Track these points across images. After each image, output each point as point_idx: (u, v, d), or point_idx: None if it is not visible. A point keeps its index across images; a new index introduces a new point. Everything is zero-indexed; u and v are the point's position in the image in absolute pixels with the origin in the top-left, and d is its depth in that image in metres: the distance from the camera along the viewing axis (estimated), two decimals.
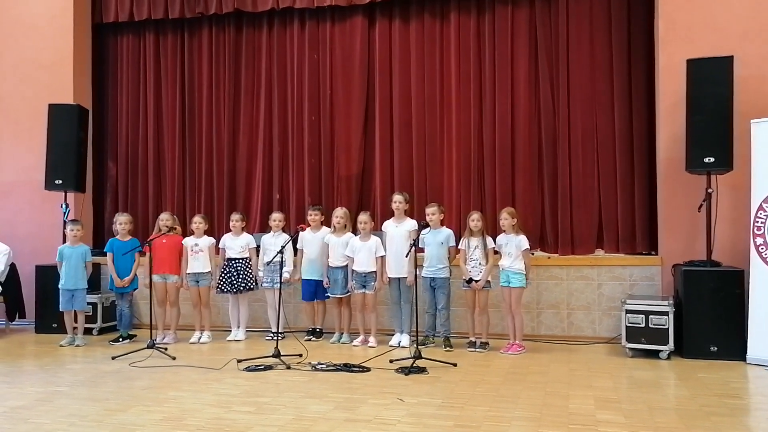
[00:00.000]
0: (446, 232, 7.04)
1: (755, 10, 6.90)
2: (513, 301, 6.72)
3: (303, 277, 7.51)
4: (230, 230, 7.72)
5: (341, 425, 4.31)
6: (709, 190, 6.54)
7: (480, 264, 6.83)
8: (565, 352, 6.75)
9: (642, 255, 7.50)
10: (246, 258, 7.58)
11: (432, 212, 7.01)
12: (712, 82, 6.40)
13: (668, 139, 7.10)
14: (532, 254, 7.27)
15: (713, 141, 6.36)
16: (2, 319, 8.20)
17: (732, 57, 6.44)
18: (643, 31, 7.62)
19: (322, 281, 7.43)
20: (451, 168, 8.14)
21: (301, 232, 7.36)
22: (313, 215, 7.58)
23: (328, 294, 7.40)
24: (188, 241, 7.60)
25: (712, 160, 6.36)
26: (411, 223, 7.15)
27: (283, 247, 6.82)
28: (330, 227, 7.53)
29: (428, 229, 6.90)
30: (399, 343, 7.01)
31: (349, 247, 7.20)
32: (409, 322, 7.00)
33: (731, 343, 6.23)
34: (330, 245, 7.34)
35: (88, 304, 7.69)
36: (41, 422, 4.46)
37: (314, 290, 7.51)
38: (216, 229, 8.48)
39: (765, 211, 6.22)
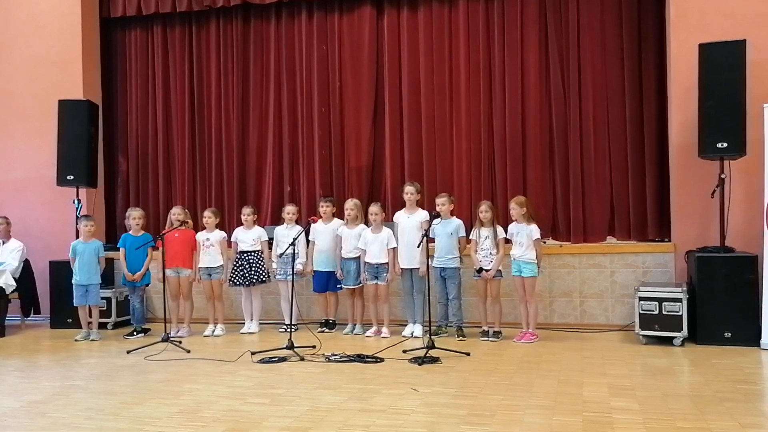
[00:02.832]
0: (456, 222, 7.04)
1: None
2: (527, 291, 6.71)
3: (315, 269, 7.53)
4: (242, 224, 7.74)
5: (356, 415, 4.32)
6: (722, 176, 6.49)
7: (490, 254, 6.83)
8: (578, 340, 6.74)
9: (654, 242, 7.48)
10: (258, 251, 7.60)
11: (442, 202, 7.00)
12: (724, 66, 6.34)
13: (680, 124, 7.05)
14: (544, 243, 7.25)
15: (726, 126, 6.31)
16: (17, 314, 8.25)
17: (744, 41, 6.37)
18: (653, 17, 7.56)
19: (334, 273, 7.44)
20: (461, 158, 8.12)
21: (313, 224, 7.37)
22: (324, 207, 7.58)
23: (341, 285, 7.41)
24: (200, 236, 7.63)
25: (725, 145, 6.31)
26: (423, 214, 7.15)
27: (295, 239, 6.84)
28: (342, 219, 7.54)
29: (439, 219, 6.90)
30: (412, 334, 7.03)
31: (361, 240, 7.20)
32: (422, 313, 7.01)
33: (745, 329, 6.21)
34: (342, 237, 7.34)
35: (102, 298, 7.74)
36: (59, 416, 4.50)
37: (326, 282, 7.53)
38: (227, 223, 8.51)
39: None
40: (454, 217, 7.13)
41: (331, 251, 7.47)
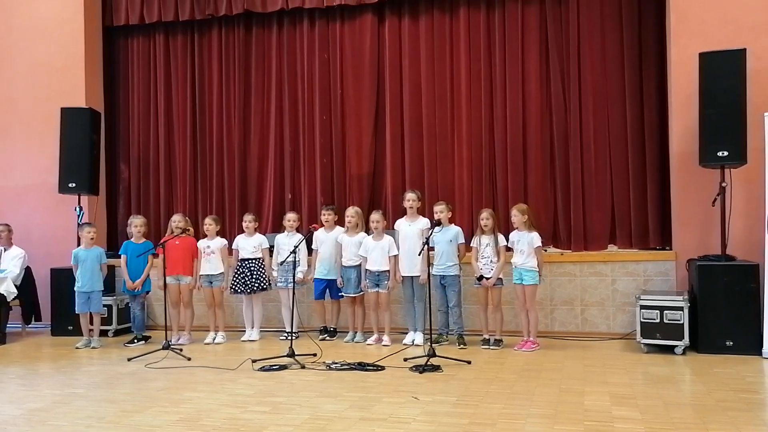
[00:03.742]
0: (455, 230, 7.04)
1: (767, 2, 6.84)
2: (527, 299, 6.71)
3: (316, 277, 7.53)
4: (243, 231, 7.74)
5: (356, 424, 4.32)
6: (723, 184, 6.49)
7: (491, 261, 6.82)
8: (579, 349, 6.73)
9: (656, 250, 7.48)
10: (259, 258, 7.59)
11: (440, 210, 7.01)
12: (724, 75, 6.35)
13: (681, 133, 7.06)
14: (545, 251, 7.25)
15: (726, 134, 6.32)
16: (18, 322, 8.26)
17: (744, 50, 6.39)
18: (654, 25, 7.58)
19: (334, 280, 7.44)
20: (462, 165, 8.12)
21: (315, 232, 7.37)
22: (326, 215, 7.59)
23: (342, 293, 7.40)
24: (200, 243, 7.63)
25: (726, 153, 6.32)
26: (424, 222, 7.15)
27: (296, 247, 6.84)
28: (343, 226, 7.54)
29: (440, 227, 6.90)
30: (413, 342, 7.02)
31: (362, 247, 7.20)
32: (423, 321, 7.00)
33: (747, 338, 6.20)
34: (343, 245, 7.34)
35: (104, 306, 7.73)
36: (59, 424, 4.49)
37: (325, 289, 7.52)
38: (228, 230, 8.52)
39: None
40: (453, 224, 7.14)
41: (333, 259, 7.47)
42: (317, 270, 7.51)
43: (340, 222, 7.66)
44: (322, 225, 7.59)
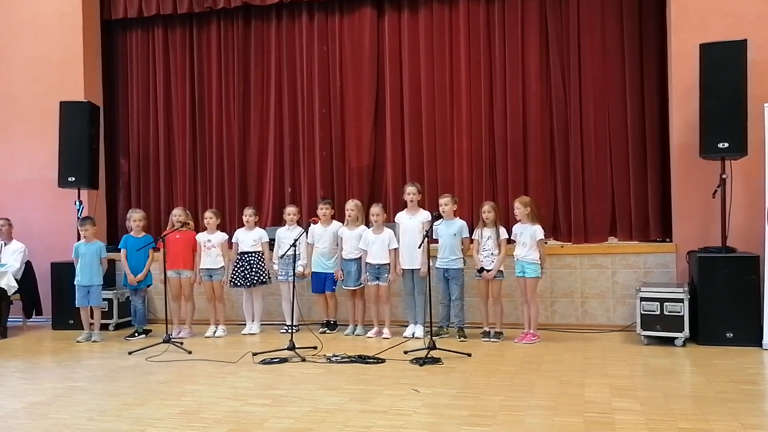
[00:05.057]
0: (459, 223, 7.04)
1: None
2: (528, 291, 6.71)
3: (313, 270, 7.53)
4: (242, 225, 7.74)
5: (357, 416, 4.32)
6: (724, 176, 6.49)
7: (492, 254, 6.83)
8: (579, 341, 6.74)
9: (656, 242, 7.47)
10: (259, 252, 7.59)
11: (445, 203, 7.01)
12: (725, 66, 6.34)
13: (682, 125, 7.04)
14: (546, 243, 7.24)
15: (727, 126, 6.31)
16: (19, 316, 8.26)
17: (745, 41, 6.37)
18: (654, 18, 7.56)
19: (332, 274, 7.44)
20: (462, 158, 8.11)
21: (313, 225, 7.37)
22: (323, 209, 7.57)
23: (339, 284, 7.40)
24: (201, 237, 7.63)
25: (726, 145, 6.31)
26: (424, 215, 7.15)
27: (296, 240, 6.84)
28: (341, 220, 7.54)
29: (441, 220, 6.90)
30: (413, 334, 7.02)
31: (362, 240, 7.20)
32: (423, 313, 7.01)
33: (747, 329, 6.21)
34: (343, 238, 7.34)
35: (104, 300, 7.75)
36: (60, 417, 4.50)
37: (323, 283, 7.53)
38: (228, 224, 8.51)
39: None
40: (458, 218, 7.13)
41: (330, 253, 7.47)
42: (316, 264, 7.51)
43: (338, 215, 7.65)
44: (320, 219, 7.59)
